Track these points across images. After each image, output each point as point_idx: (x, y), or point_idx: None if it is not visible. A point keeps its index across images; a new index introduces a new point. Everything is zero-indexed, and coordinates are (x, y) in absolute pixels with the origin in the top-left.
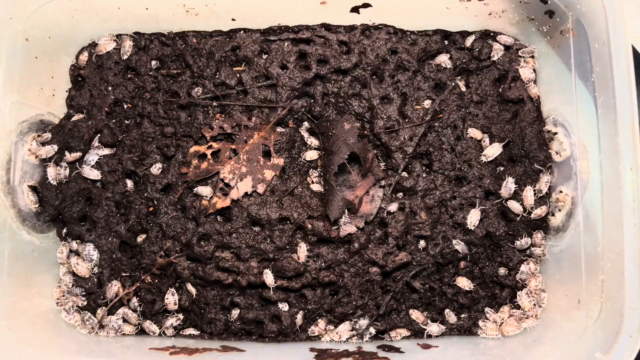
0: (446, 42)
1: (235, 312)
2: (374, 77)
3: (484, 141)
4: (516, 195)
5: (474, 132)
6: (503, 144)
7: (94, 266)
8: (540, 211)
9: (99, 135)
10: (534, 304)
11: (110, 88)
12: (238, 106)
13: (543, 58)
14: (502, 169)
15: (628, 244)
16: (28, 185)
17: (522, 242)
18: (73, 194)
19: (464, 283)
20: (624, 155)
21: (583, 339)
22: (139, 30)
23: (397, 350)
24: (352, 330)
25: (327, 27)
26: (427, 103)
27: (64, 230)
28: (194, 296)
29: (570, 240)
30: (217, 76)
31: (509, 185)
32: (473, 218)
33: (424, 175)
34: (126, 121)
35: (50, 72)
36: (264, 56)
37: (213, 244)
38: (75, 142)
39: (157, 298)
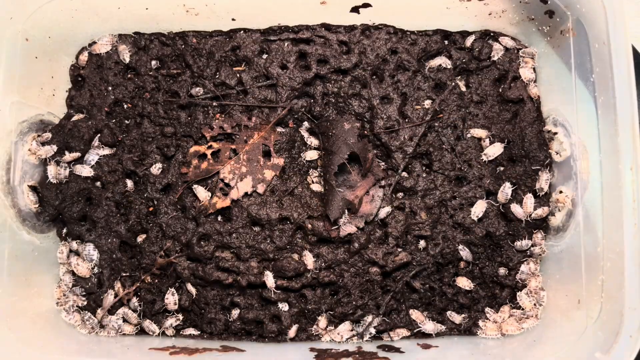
0: (446, 42)
1: (235, 312)
2: (374, 77)
3: (484, 141)
4: (516, 197)
5: (477, 131)
6: (504, 143)
7: (94, 266)
8: (540, 211)
9: (99, 135)
10: (534, 304)
11: (110, 88)
12: (238, 106)
13: (543, 58)
14: (502, 169)
15: (628, 244)
16: (28, 185)
17: (523, 243)
18: (73, 194)
19: (464, 283)
20: (624, 155)
21: (583, 339)
22: (139, 30)
23: (397, 350)
24: (352, 330)
25: (327, 27)
26: (427, 103)
27: (64, 230)
28: (194, 296)
29: (570, 240)
30: (217, 76)
31: (506, 190)
32: (478, 209)
33: (424, 175)
34: (126, 121)
35: (50, 72)
36: (264, 56)
37: (213, 244)
38: (75, 142)
39: (157, 298)
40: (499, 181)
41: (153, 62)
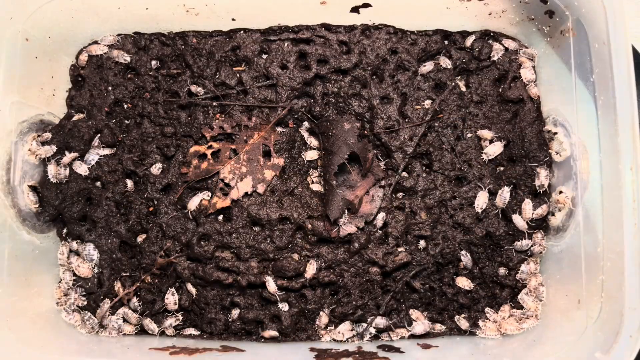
0: (446, 42)
1: (235, 312)
2: (374, 77)
3: (485, 141)
4: (516, 197)
5: (484, 133)
6: (504, 143)
7: (94, 266)
8: (540, 211)
9: (99, 135)
10: (534, 300)
11: (110, 88)
12: (238, 106)
13: (543, 58)
14: (502, 169)
15: (628, 244)
16: (28, 185)
17: (523, 243)
18: (73, 193)
19: (464, 283)
20: (624, 155)
21: (583, 339)
22: (139, 30)
23: (397, 350)
24: (352, 330)
25: (327, 27)
26: (427, 103)
27: (64, 230)
28: (194, 296)
29: (570, 240)
30: (217, 76)
31: (504, 194)
32: (480, 201)
33: (424, 175)
34: (126, 121)
35: (50, 72)
36: (264, 56)
37: (213, 244)
38: (75, 142)
39: (157, 298)
40: (499, 181)
41: (153, 62)
